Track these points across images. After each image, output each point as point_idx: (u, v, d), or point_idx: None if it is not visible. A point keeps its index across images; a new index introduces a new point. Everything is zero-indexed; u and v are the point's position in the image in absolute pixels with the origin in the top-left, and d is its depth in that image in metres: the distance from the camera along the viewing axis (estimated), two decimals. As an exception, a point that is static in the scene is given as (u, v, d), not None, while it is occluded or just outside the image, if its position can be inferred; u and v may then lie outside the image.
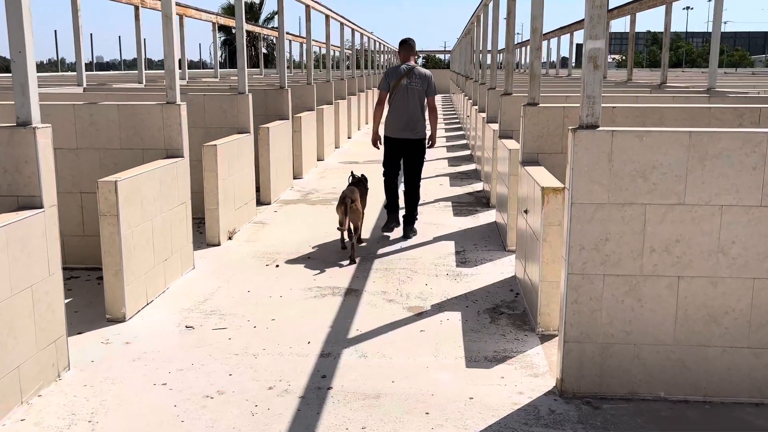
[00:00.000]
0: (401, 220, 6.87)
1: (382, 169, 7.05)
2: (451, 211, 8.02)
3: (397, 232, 6.88)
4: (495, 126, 8.24)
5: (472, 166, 11.60)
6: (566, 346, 3.45)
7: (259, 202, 8.24)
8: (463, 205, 8.32)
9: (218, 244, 6.41)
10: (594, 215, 3.34)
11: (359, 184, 6.63)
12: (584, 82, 3.26)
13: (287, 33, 26.01)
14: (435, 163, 12.06)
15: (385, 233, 6.80)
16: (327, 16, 13.13)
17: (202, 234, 6.55)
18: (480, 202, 8.55)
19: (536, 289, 4.35)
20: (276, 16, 53.01)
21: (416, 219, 6.94)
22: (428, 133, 6.97)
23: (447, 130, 18.56)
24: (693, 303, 3.37)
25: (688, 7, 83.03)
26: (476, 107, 11.92)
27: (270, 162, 8.28)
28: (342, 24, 15.26)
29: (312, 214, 7.86)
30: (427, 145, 6.95)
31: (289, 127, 9.33)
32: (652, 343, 3.41)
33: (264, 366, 3.83)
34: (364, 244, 6.46)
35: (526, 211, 4.83)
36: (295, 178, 10.07)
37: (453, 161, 12.31)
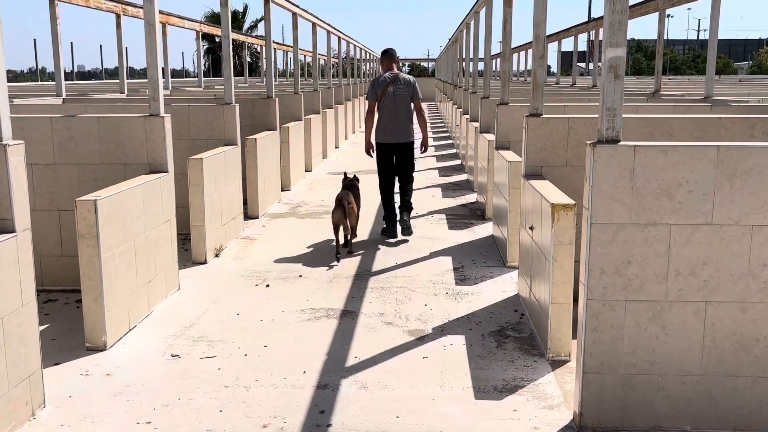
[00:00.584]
0: (395, 221, 7.19)
1: (378, 178, 7.35)
2: (446, 224, 7.77)
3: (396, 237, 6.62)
4: (490, 136, 8.02)
5: (463, 177, 11.37)
6: (585, 378, 3.20)
7: (247, 216, 7.94)
8: (457, 218, 8.08)
9: (205, 262, 6.11)
10: (615, 236, 3.09)
11: (352, 186, 6.95)
12: (604, 93, 3.02)
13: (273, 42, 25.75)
14: (425, 173, 11.82)
15: (388, 237, 7.11)
16: (314, 24, 12.88)
17: (188, 251, 6.25)
18: (474, 214, 8.31)
19: (545, 311, 4.10)
20: (260, 24, 52.72)
21: (412, 209, 7.25)
22: (417, 136, 7.27)
23: (435, 139, 18.35)
24: (721, 330, 3.13)
25: (668, 15, 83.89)
26: (467, 116, 11.70)
27: (258, 174, 7.99)
28: (329, 32, 15.03)
29: (301, 229, 7.57)
30: (421, 152, 7.49)
31: (277, 137, 9.05)
32: (677, 374, 3.17)
33: (257, 400, 3.54)
34: (356, 239, 6.81)
35: (531, 228, 4.59)
36: (283, 190, 9.78)
37: (444, 171, 12.08)
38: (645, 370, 3.18)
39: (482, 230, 7.42)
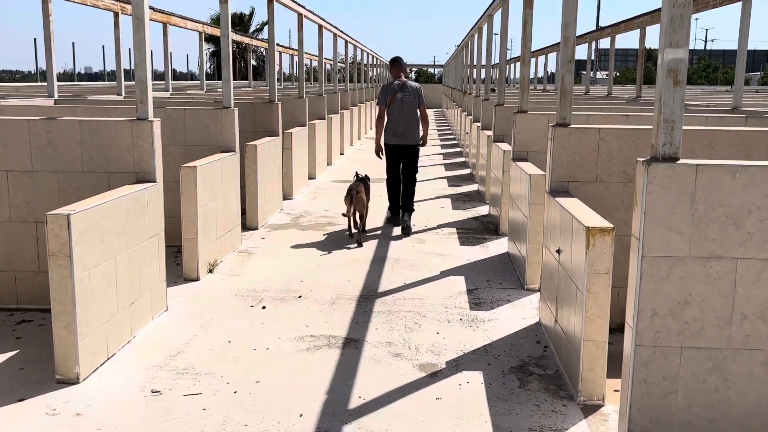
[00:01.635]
0: (400, 214, 7.80)
1: (386, 176, 8.05)
2: (457, 239, 7.28)
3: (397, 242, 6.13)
4: (505, 146, 7.54)
5: (473, 187, 10.88)
6: (631, 437, 2.71)
7: (245, 227, 7.47)
8: (469, 233, 7.59)
9: (197, 279, 5.63)
10: (671, 272, 2.61)
11: (363, 181, 7.45)
12: (661, 101, 2.54)
13: (278, 44, 25.34)
14: (434, 183, 11.34)
15: (392, 225, 7.81)
16: (320, 27, 12.43)
17: (180, 266, 5.78)
18: (487, 228, 7.82)
19: (575, 347, 3.61)
20: (266, 27, 52.51)
21: (413, 209, 7.91)
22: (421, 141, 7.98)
23: (442, 146, 17.88)
24: (795, 384, 2.64)
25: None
26: (478, 124, 11.22)
27: (258, 183, 7.51)
28: (335, 35, 14.58)
29: (303, 242, 7.09)
30: (419, 145, 7.95)
31: (279, 143, 8.59)
32: (741, 435, 2.68)
33: (245, 451, 3.06)
34: (362, 249, 6.91)
35: (558, 251, 4.10)
36: (284, 198, 9.31)
37: (452, 181, 11.60)
38: (703, 429, 2.69)
39: (496, 246, 6.93)
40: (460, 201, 9.60)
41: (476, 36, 12.78)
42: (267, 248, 6.79)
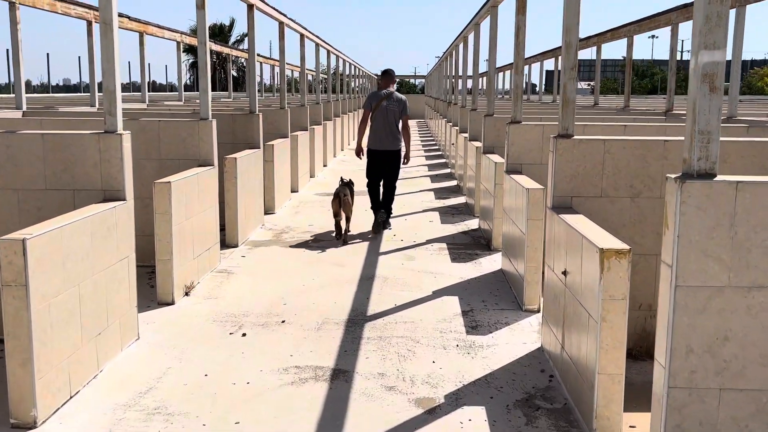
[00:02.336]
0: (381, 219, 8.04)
1: (366, 180, 8.27)
2: (448, 255, 6.95)
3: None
4: (496, 158, 7.25)
5: (461, 199, 10.57)
6: (664, 491, 2.38)
7: (225, 245, 7.09)
8: (460, 248, 7.26)
9: (172, 303, 5.25)
10: (708, 304, 2.29)
11: (348, 186, 7.83)
12: (695, 111, 2.23)
13: (259, 55, 24.97)
14: (420, 195, 11.02)
15: (376, 233, 7.91)
16: (302, 36, 12.10)
17: (154, 288, 5.39)
18: (478, 243, 7.50)
19: (588, 381, 3.28)
20: (246, 38, 52.04)
21: (391, 213, 8.33)
22: (402, 147, 8.21)
23: (427, 157, 17.60)
24: None
25: (653, 36, 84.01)
26: (465, 135, 10.93)
27: (238, 197, 7.14)
28: (317, 45, 14.26)
29: (286, 260, 6.72)
30: (402, 163, 8.32)
31: (260, 156, 8.22)
32: (788, 488, 2.36)
33: None
34: (350, 232, 7.70)
35: (565, 273, 3.78)
36: (266, 213, 8.93)
37: (439, 193, 11.28)
38: (744, 482, 2.36)
39: (489, 263, 6.61)
40: (448, 214, 9.28)
41: (461, 45, 12.52)
42: (248, 268, 6.41)
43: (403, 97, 8.22)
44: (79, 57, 22.35)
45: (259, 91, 30.27)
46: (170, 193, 5.15)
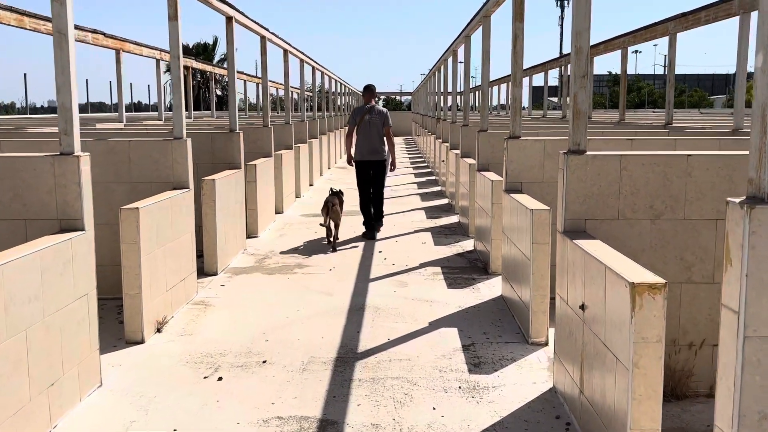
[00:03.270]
0: (372, 225, 8.65)
1: (357, 190, 8.89)
2: (443, 280, 6.48)
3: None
4: (492, 176, 6.82)
5: (453, 218, 10.13)
6: None
7: (203, 273, 6.59)
8: (455, 272, 6.80)
9: (141, 342, 4.74)
10: (786, 359, 1.83)
11: (337, 195, 8.22)
12: (765, 121, 1.78)
13: (241, 72, 24.54)
14: (411, 215, 10.56)
15: (366, 239, 8.44)
16: (285, 51, 11.68)
17: (123, 323, 4.88)
18: (475, 266, 7.04)
19: (617, 435, 2.82)
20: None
21: (382, 217, 8.97)
22: (387, 157, 8.82)
23: (416, 175, 17.18)
24: None
25: (636, 51, 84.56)
26: (456, 152, 10.52)
27: (217, 221, 6.65)
28: (302, 61, 13.85)
29: (269, 288, 6.23)
30: (389, 170, 9.03)
31: (242, 177, 7.75)
32: None
33: None
34: (339, 239, 8.14)
35: (583, 307, 3.32)
36: (249, 237, 8.44)
37: (431, 212, 10.84)
38: None
39: (488, 289, 6.15)
40: (441, 235, 8.82)
41: (451, 59, 12.15)
42: (227, 298, 5.91)
43: (384, 109, 8.97)
44: (25, 74, 21.84)
45: (242, 109, 29.83)
46: (138, 221, 4.66)
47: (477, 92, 26.20)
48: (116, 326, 4.98)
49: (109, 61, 11.76)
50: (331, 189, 8.42)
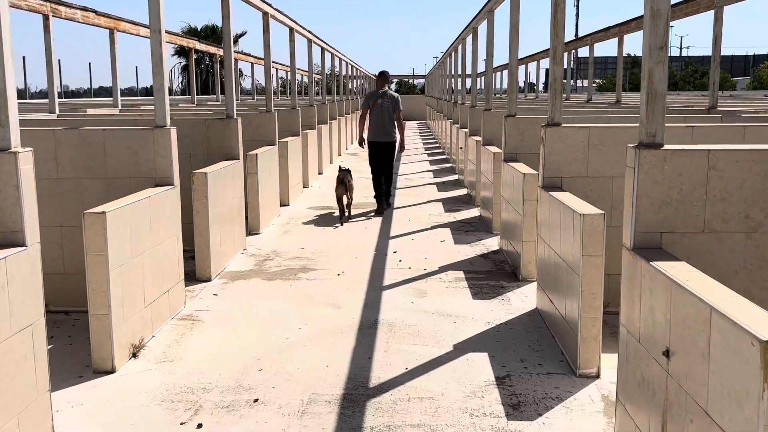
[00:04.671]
0: (383, 201, 9.26)
1: (370, 169, 9.60)
2: (467, 288, 5.67)
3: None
4: (522, 167, 6.00)
5: (473, 212, 9.30)
6: None
7: (195, 279, 5.83)
8: (480, 278, 5.98)
9: (111, 371, 3.97)
10: None
11: (347, 173, 8.72)
12: None
13: (248, 54, 23.68)
14: (427, 207, 9.73)
15: (377, 215, 9.00)
16: (291, 30, 10.82)
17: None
18: (502, 270, 6.22)
19: None
20: (241, 39, 50.49)
21: (391, 194, 9.85)
22: (397, 138, 9.50)
23: (431, 162, 16.31)
24: None
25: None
26: (476, 138, 9.66)
27: (210, 221, 5.87)
28: (310, 41, 12.98)
29: (268, 298, 5.44)
30: (399, 151, 9.72)
31: (240, 168, 6.94)
32: None
33: None
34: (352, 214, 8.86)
35: (668, 354, 2.50)
36: (250, 234, 7.68)
37: (448, 204, 10.00)
38: None
39: (520, 300, 5.33)
40: (461, 231, 7.99)
41: (470, 38, 11.24)
42: (219, 311, 5.13)
43: (396, 94, 9.50)
44: (24, 57, 20.99)
45: (251, 93, 28.98)
46: (105, 227, 3.87)
47: (508, 72, 25.24)
48: (88, 348, 4.21)
49: (102, 39, 10.95)
50: (340, 166, 9.02)
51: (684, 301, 2.36)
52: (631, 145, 2.97)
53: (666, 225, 2.92)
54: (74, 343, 4.44)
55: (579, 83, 44.90)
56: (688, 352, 2.35)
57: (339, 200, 8.55)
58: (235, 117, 6.84)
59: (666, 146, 2.91)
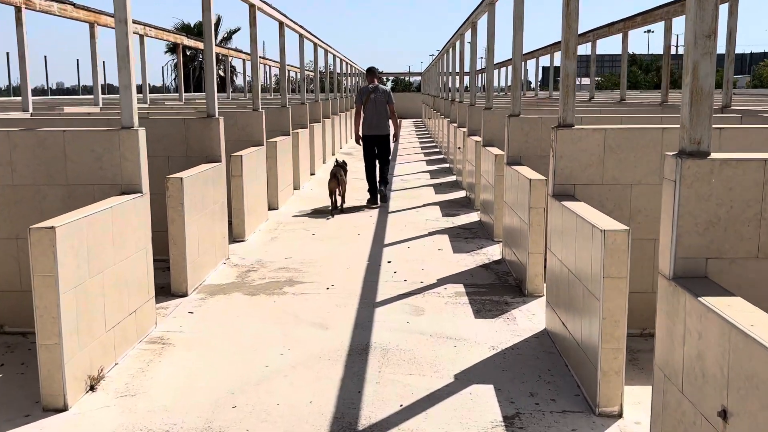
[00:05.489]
0: (377, 192, 9.61)
1: (364, 162, 9.81)
2: (468, 305, 5.17)
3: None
4: (527, 171, 5.53)
5: (473, 216, 8.80)
6: None
7: (170, 293, 5.33)
8: (482, 292, 5.49)
9: (63, 408, 3.46)
10: None
11: (341, 167, 9.15)
12: None
13: (242, 52, 23.15)
14: (424, 211, 9.23)
15: (372, 206, 9.44)
16: (281, 23, 10.30)
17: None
18: (505, 284, 5.72)
19: None
20: (234, 35, 49.86)
21: (387, 183, 9.96)
22: (391, 131, 10.03)
23: (427, 162, 15.82)
24: None
25: (648, 30, 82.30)
26: (476, 139, 9.15)
27: (186, 230, 5.36)
28: (302, 36, 12.45)
29: (249, 317, 4.94)
30: (392, 141, 10.04)
31: (223, 171, 6.43)
32: None
33: None
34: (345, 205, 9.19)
35: (724, 415, 2.01)
36: (235, 241, 7.17)
37: (446, 208, 9.50)
38: None
39: (526, 318, 4.84)
40: (461, 238, 7.49)
41: (469, 32, 10.73)
42: (193, 333, 4.62)
43: (387, 88, 10.03)
44: (46, 56, 20.28)
45: (240, 90, 28.43)
46: (54, 245, 3.36)
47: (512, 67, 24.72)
48: (30, 383, 3.70)
49: (103, 39, 10.44)
50: (336, 160, 9.51)
51: (750, 353, 1.87)
52: (671, 154, 2.48)
53: (712, 249, 2.43)
54: (27, 371, 3.93)
55: (577, 81, 44.43)
56: (754, 415, 1.86)
57: (331, 193, 8.96)
58: (217, 116, 6.33)
59: (713, 155, 2.41)
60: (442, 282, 5.79)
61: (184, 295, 5.37)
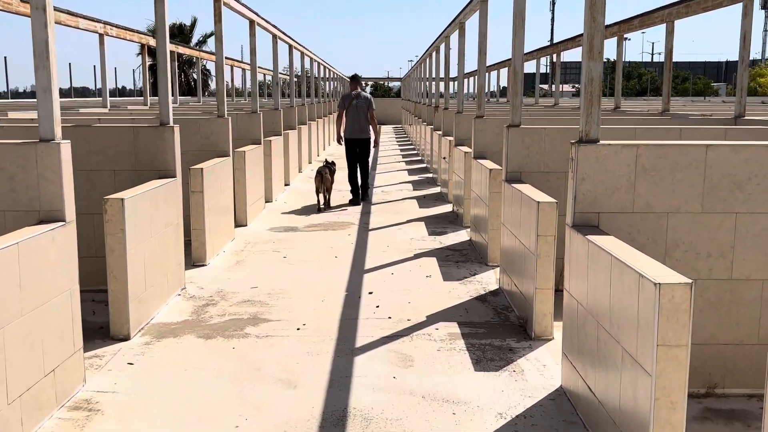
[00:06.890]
0: (359, 194, 10.31)
1: (346, 164, 10.41)
2: (466, 351, 4.35)
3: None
4: (534, 193, 4.74)
5: (461, 234, 8.00)
6: None
7: (109, 337, 4.45)
8: (481, 333, 4.67)
9: None
10: None
11: (328, 167, 9.72)
12: None
13: (213, 54, 22.16)
14: (408, 229, 8.40)
15: (352, 206, 10.02)
16: (252, 22, 9.42)
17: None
18: (506, 322, 4.92)
19: None
20: (210, 39, 48.68)
21: (369, 187, 10.75)
22: (372, 136, 10.65)
23: (409, 172, 15.01)
24: None
25: (625, 38, 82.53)
26: (465, 150, 8.36)
27: (130, 259, 4.49)
28: (275, 36, 11.57)
29: (201, 372, 4.06)
30: (373, 146, 10.89)
31: (178, 187, 5.56)
32: None
33: None
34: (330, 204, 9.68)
35: None
36: (194, 265, 6.30)
37: (432, 224, 8.68)
38: None
39: (537, 372, 4.02)
40: (450, 262, 6.67)
41: (456, 34, 9.93)
42: (129, 394, 3.74)
43: (368, 95, 10.72)
44: (5, 57, 19.14)
45: (214, 95, 27.41)
46: None
47: (511, 69, 24.04)
48: None
49: (90, 44, 9.47)
50: (326, 160, 10.03)
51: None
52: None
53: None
54: None
55: (563, 87, 44.05)
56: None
57: (317, 191, 9.49)
58: (171, 124, 5.46)
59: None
60: (432, 320, 4.97)
61: (126, 338, 4.49)
